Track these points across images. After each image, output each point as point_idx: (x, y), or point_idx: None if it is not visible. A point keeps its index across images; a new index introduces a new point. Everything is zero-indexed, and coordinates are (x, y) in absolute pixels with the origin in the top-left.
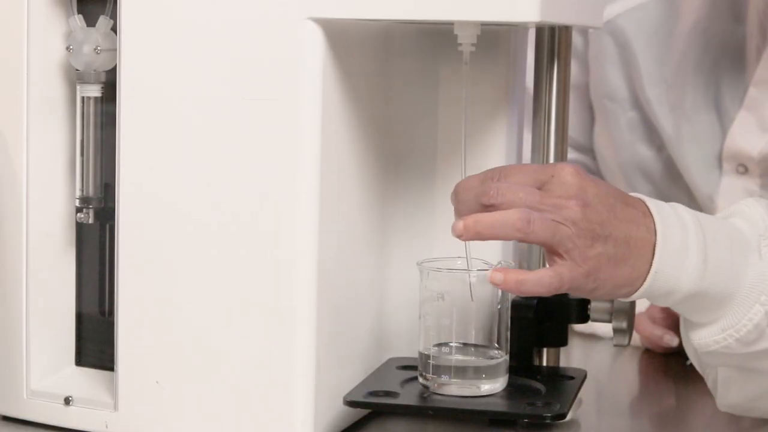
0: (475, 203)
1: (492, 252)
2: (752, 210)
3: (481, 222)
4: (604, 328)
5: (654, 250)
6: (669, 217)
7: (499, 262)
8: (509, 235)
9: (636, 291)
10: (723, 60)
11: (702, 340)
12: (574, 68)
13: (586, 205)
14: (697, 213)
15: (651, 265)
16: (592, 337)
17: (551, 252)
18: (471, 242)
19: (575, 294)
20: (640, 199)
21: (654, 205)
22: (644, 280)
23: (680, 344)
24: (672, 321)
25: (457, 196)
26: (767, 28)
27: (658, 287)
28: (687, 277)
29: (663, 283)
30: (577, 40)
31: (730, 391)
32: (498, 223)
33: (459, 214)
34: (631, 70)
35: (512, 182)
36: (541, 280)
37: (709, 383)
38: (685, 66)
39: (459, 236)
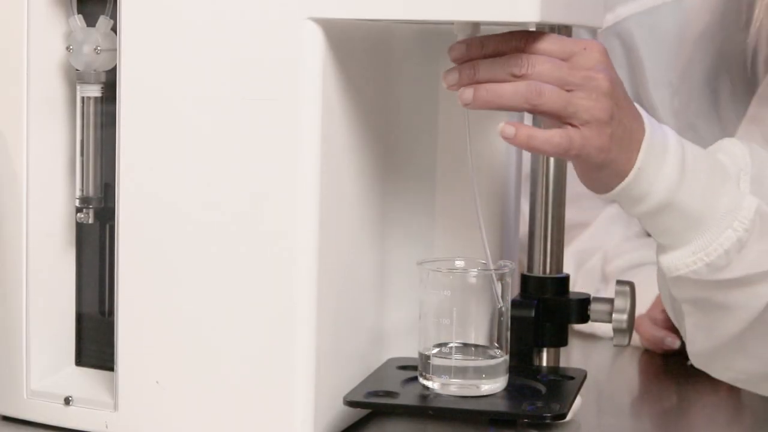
0: (499, 69)
1: (492, 252)
2: (735, 148)
3: (492, 91)
4: (604, 328)
5: (639, 147)
6: (655, 125)
7: (500, 262)
8: (518, 106)
9: (620, 183)
10: (724, 66)
11: (672, 263)
12: None
13: (612, 82)
14: (682, 138)
15: (637, 160)
16: (592, 337)
17: (566, 123)
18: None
19: (580, 166)
20: (627, 95)
21: (643, 111)
22: (627, 175)
23: (682, 346)
24: (664, 322)
25: (468, 52)
26: None
27: (636, 186)
28: (662, 182)
29: (641, 182)
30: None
31: (697, 338)
32: (508, 93)
33: (466, 75)
34: (637, 73)
35: (541, 51)
36: (551, 139)
37: (684, 335)
38: (690, 72)
39: (467, 104)
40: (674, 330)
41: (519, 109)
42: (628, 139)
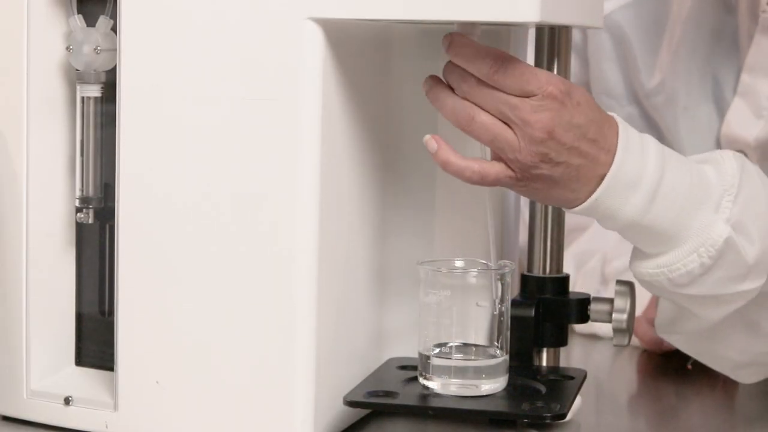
0: (454, 80)
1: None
2: (727, 164)
3: (437, 98)
4: (604, 328)
5: (601, 182)
6: (632, 152)
7: (500, 262)
8: (454, 123)
9: (574, 208)
10: (717, 49)
11: (636, 269)
12: (575, 65)
13: (551, 133)
14: (668, 151)
15: (593, 194)
16: (592, 337)
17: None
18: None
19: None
20: (613, 130)
21: (624, 137)
22: (583, 203)
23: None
24: None
25: (452, 48)
26: (758, 13)
27: (597, 212)
28: (630, 209)
29: (603, 209)
30: (576, 36)
31: (663, 320)
32: (449, 108)
33: (446, 73)
34: (628, 64)
35: (501, 83)
36: (464, 172)
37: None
38: (680, 56)
39: (425, 90)
40: None
41: (457, 126)
42: (575, 178)
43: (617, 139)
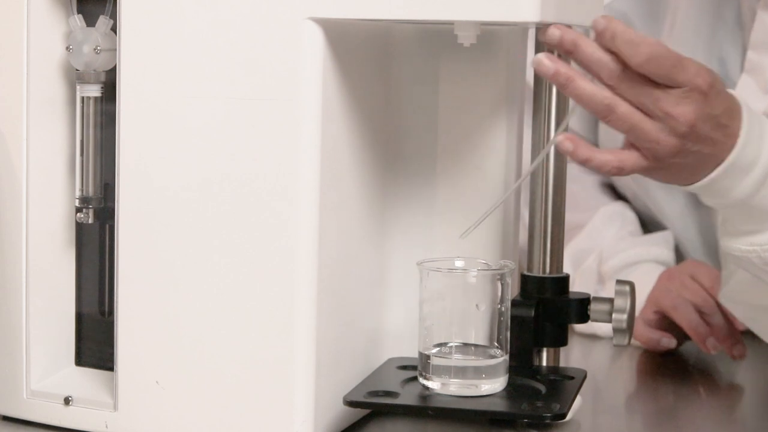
0: (598, 63)
1: (491, 252)
2: None
3: (576, 84)
4: (604, 328)
5: (720, 164)
6: (752, 136)
7: (500, 262)
8: (593, 111)
9: (688, 186)
10: (720, 29)
11: (728, 244)
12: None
13: (693, 126)
14: None
15: (710, 173)
16: (593, 337)
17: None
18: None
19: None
20: (737, 113)
21: (747, 122)
22: (698, 182)
23: (680, 342)
24: (667, 322)
25: (608, 31)
26: None
27: (708, 190)
28: (740, 191)
29: (715, 189)
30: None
31: (736, 289)
32: (587, 95)
33: (584, 57)
34: None
35: (645, 68)
36: (604, 166)
37: (723, 273)
38: (684, 37)
39: (551, 73)
40: (669, 329)
41: (594, 114)
42: (702, 163)
43: (741, 123)
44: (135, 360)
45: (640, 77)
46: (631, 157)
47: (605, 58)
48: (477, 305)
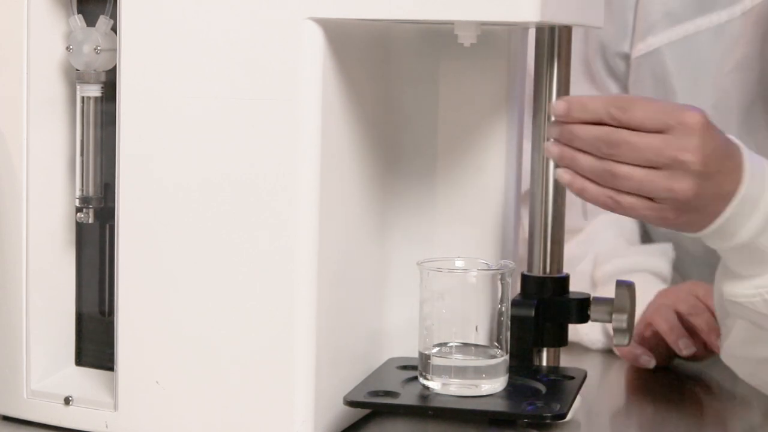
0: (594, 140)
1: (491, 252)
2: None
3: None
4: (591, 336)
5: (728, 201)
6: (754, 170)
7: (500, 262)
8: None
9: (697, 232)
10: (764, 101)
11: (732, 290)
12: (615, 91)
13: (704, 162)
14: None
15: (719, 216)
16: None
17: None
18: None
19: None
20: (736, 149)
21: (747, 156)
22: (707, 227)
23: (658, 364)
24: (648, 341)
25: (568, 113)
26: None
27: (718, 233)
28: (746, 230)
29: (724, 230)
30: (620, 65)
31: (737, 344)
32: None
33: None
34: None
35: (636, 121)
36: (603, 205)
37: (723, 330)
38: (725, 104)
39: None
40: (652, 348)
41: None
42: (711, 204)
43: (742, 154)
44: (135, 360)
45: (632, 134)
46: (636, 207)
47: (590, 133)
48: (477, 305)
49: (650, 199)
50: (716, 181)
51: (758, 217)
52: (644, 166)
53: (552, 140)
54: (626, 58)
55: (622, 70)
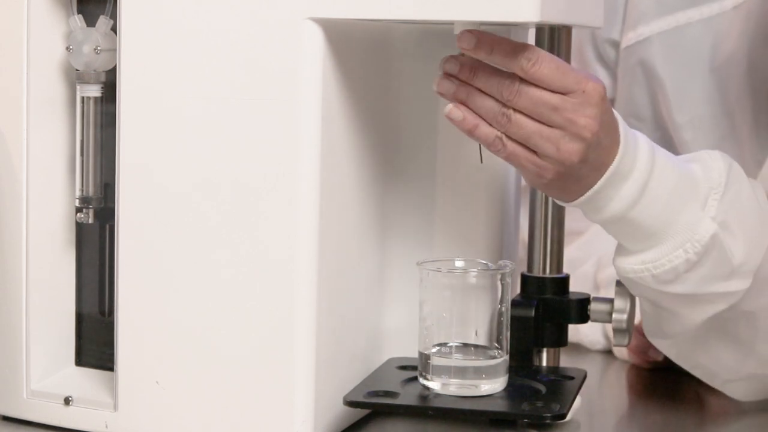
0: (497, 83)
1: (491, 252)
2: (714, 163)
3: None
4: (591, 337)
5: (605, 172)
6: (628, 146)
7: (500, 262)
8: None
9: (569, 202)
10: (751, 96)
11: (621, 266)
12: (605, 79)
13: (595, 133)
14: (658, 149)
15: (592, 187)
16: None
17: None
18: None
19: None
20: (616, 120)
21: (623, 132)
22: (579, 198)
23: (659, 364)
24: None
25: (476, 51)
26: None
27: (588, 204)
28: (619, 201)
29: (595, 202)
30: (610, 52)
31: (651, 325)
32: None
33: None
34: (658, 96)
35: (539, 77)
36: (490, 145)
37: (640, 312)
38: (714, 97)
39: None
40: (651, 347)
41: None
42: (591, 174)
43: (619, 131)
44: (135, 360)
45: (533, 87)
46: (530, 156)
47: (488, 73)
48: (477, 305)
49: (535, 153)
50: (599, 152)
51: (628, 190)
52: (538, 121)
53: (444, 74)
54: (616, 45)
55: (611, 58)
